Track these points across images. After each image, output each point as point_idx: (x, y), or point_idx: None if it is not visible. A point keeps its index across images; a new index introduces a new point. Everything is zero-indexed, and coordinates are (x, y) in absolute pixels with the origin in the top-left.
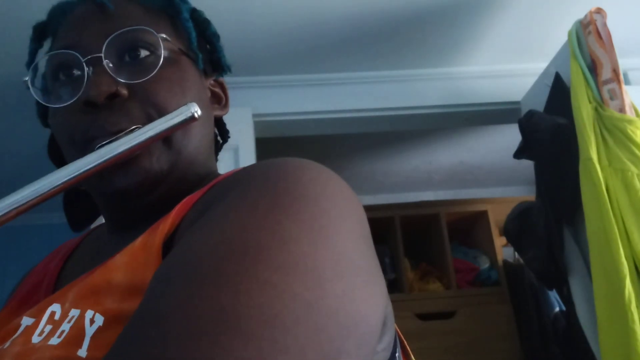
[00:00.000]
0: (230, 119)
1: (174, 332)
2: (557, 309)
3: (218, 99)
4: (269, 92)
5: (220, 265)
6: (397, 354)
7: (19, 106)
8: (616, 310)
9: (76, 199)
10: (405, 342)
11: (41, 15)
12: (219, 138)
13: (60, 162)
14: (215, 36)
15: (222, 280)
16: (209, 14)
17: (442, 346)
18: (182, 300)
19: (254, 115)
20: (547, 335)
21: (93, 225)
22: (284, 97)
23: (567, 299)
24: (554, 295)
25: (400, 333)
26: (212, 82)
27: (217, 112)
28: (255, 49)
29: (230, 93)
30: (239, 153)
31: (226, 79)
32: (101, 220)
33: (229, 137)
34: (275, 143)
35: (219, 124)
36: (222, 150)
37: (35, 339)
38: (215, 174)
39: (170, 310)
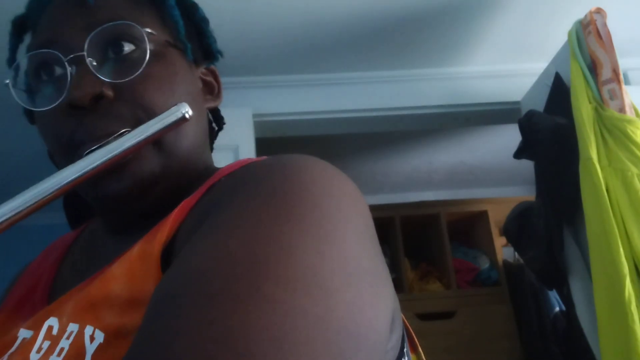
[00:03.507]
0: (230, 119)
1: (181, 356)
2: (557, 309)
3: (210, 89)
4: (269, 92)
5: (226, 283)
6: (405, 349)
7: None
8: (616, 310)
9: (76, 199)
10: (412, 332)
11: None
12: (214, 125)
13: None
14: (204, 21)
15: (228, 300)
16: (208, 14)
17: (442, 346)
18: (188, 323)
19: (254, 115)
20: (547, 335)
21: None
22: (284, 97)
23: (567, 299)
24: (554, 295)
25: (407, 323)
26: (203, 70)
27: (210, 104)
28: (255, 49)
29: (230, 93)
30: (239, 153)
31: (226, 79)
32: None
33: (224, 123)
34: (275, 143)
35: (214, 110)
36: (222, 150)
37: (34, 356)
38: (211, 168)
39: (176, 332)
